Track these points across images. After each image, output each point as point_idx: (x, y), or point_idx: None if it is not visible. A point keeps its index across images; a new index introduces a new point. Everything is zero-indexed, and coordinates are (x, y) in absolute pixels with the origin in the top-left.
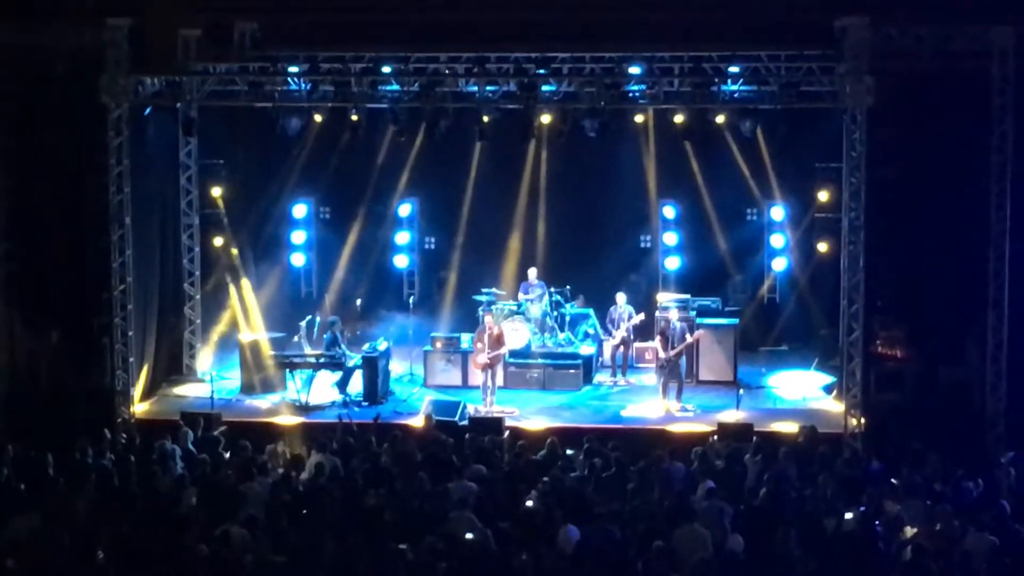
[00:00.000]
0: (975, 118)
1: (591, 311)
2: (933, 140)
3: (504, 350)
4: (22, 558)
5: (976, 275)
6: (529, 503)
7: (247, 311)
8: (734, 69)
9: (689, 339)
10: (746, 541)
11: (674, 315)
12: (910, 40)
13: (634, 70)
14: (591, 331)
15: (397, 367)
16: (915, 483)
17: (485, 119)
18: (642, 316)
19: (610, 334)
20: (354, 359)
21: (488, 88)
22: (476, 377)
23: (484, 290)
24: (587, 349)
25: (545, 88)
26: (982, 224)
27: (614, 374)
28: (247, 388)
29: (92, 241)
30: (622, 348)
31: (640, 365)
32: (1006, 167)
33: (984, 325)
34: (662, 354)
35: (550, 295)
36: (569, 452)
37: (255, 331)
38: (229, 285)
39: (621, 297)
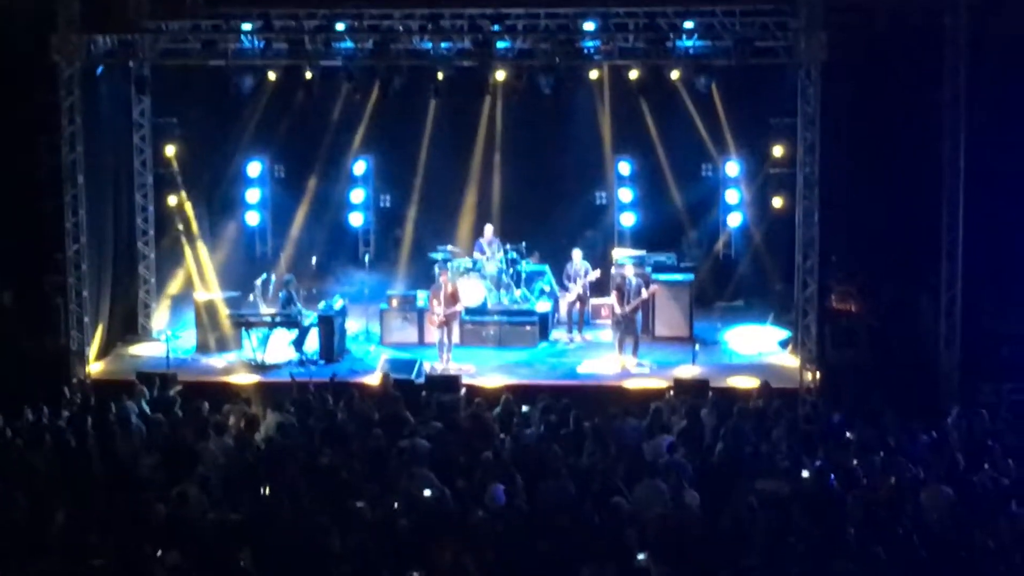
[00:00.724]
0: (929, 73)
1: (547, 268)
2: (887, 95)
3: (460, 307)
4: None
5: (930, 230)
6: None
7: (202, 270)
8: (688, 24)
9: (644, 294)
10: (703, 496)
11: (630, 271)
12: None
13: (588, 26)
14: (547, 288)
15: (353, 325)
16: (870, 437)
17: (440, 76)
18: (598, 272)
19: (566, 290)
20: (310, 318)
21: (443, 45)
22: (432, 335)
23: (440, 247)
24: (543, 306)
25: (500, 45)
26: (936, 179)
27: (570, 331)
28: (203, 347)
29: (45, 201)
30: (578, 304)
31: (596, 321)
32: (959, 122)
33: (938, 279)
34: (618, 310)
35: (506, 252)
36: (525, 409)
37: (210, 290)
38: (184, 244)
39: (577, 253)
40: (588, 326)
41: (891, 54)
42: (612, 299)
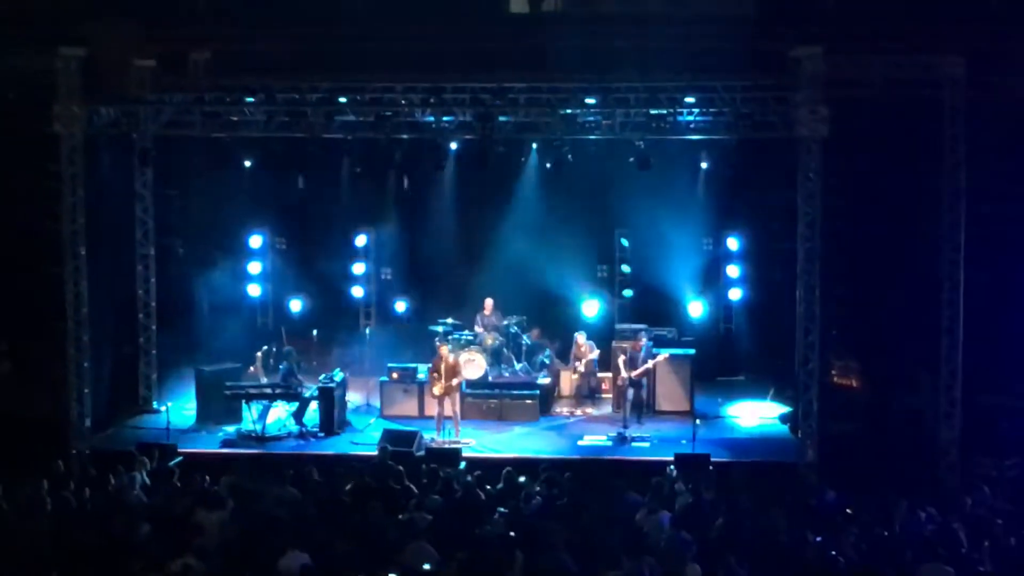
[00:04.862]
0: (928, 146)
1: (546, 343)
2: (887, 168)
3: (459, 380)
4: None
5: (930, 303)
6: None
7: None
8: (689, 99)
9: (651, 363)
10: (703, 571)
11: (642, 341)
12: (862, 70)
13: (590, 100)
14: (548, 362)
15: (353, 397)
16: (869, 513)
17: (441, 149)
18: (597, 353)
19: (572, 365)
20: (310, 390)
21: (444, 119)
22: (432, 407)
23: (440, 320)
24: (544, 380)
25: (502, 119)
26: (935, 252)
27: (577, 404)
28: (203, 419)
29: (46, 270)
30: (585, 379)
31: (600, 396)
32: (959, 196)
33: (938, 354)
34: (624, 373)
35: (506, 326)
36: (522, 480)
37: (211, 361)
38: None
39: (581, 336)
40: (591, 400)
41: (891, 128)
42: (620, 362)
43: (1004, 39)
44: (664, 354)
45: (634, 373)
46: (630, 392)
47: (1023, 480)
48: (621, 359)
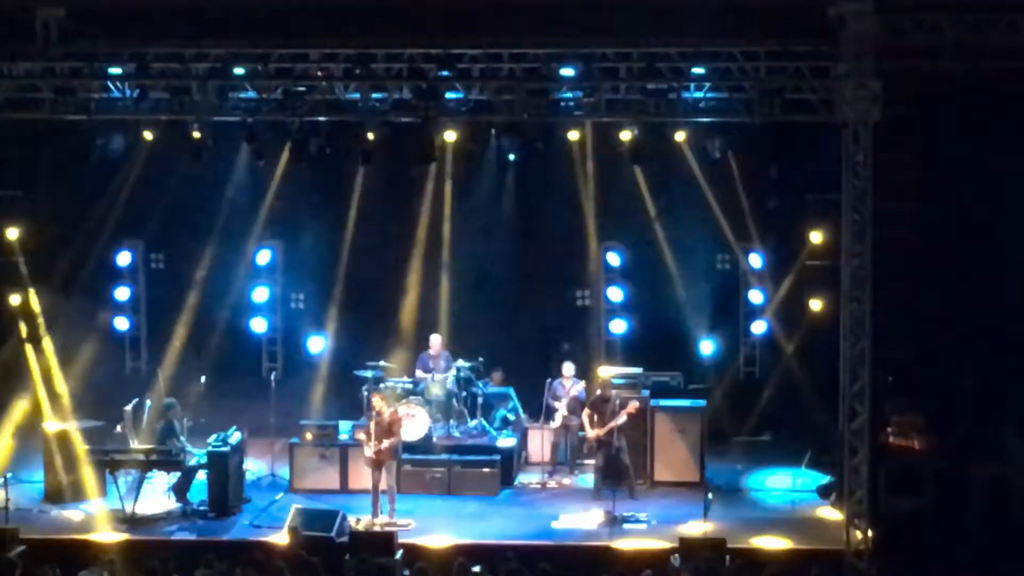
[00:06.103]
0: (1019, 134)
1: (511, 391)
2: (962, 164)
3: (394, 441)
4: None
5: (1019, 342)
6: None
7: (53, 392)
8: (698, 71)
9: (623, 415)
10: None
11: (607, 386)
12: (929, 32)
13: (566, 71)
14: (511, 417)
15: (254, 466)
16: None
17: (370, 136)
18: (583, 385)
19: (551, 417)
20: (196, 456)
21: (374, 95)
22: (362, 478)
23: (370, 363)
24: (507, 441)
25: (450, 96)
26: None
27: (551, 472)
28: (53, 494)
29: None
30: (563, 434)
31: (583, 463)
32: None
33: None
34: (589, 433)
35: (457, 370)
36: (476, 570)
37: (64, 418)
38: (28, 358)
39: (568, 368)
40: (572, 464)
41: (967, 110)
42: (584, 418)
43: None
44: (633, 404)
45: (602, 431)
46: (599, 457)
47: None
48: (586, 413)
